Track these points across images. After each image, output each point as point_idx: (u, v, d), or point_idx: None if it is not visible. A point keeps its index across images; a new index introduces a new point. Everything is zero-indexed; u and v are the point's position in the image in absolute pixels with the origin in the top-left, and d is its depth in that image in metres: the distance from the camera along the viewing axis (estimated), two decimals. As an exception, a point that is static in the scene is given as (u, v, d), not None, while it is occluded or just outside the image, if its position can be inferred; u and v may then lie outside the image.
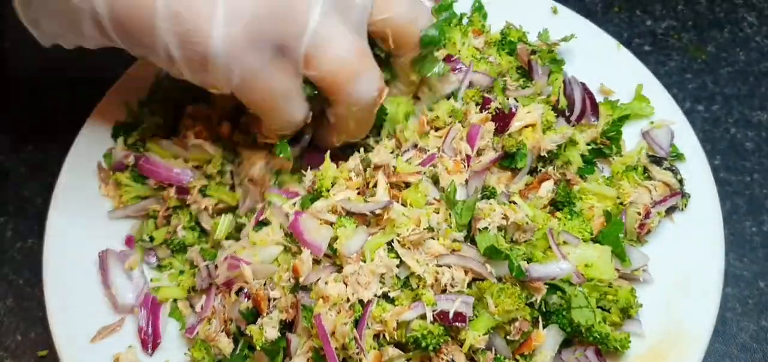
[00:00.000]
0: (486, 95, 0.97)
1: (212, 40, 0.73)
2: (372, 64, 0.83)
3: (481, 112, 0.93)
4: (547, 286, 0.80)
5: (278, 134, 0.89)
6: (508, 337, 0.78)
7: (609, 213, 0.90)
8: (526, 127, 0.92)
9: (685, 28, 1.35)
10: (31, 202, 1.13)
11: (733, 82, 1.27)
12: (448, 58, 1.02)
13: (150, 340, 0.88)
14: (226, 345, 0.85)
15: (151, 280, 0.94)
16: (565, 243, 0.84)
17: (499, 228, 0.82)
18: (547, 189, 0.90)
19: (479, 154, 0.90)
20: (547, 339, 0.81)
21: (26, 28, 0.81)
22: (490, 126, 0.91)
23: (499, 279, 0.79)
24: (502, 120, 0.92)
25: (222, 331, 0.86)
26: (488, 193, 0.87)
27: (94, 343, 0.86)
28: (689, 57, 1.31)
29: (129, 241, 0.96)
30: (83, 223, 0.95)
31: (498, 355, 0.78)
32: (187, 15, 0.72)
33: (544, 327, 0.81)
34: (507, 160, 0.91)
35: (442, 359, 0.76)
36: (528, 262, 0.80)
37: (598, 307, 0.82)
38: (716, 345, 0.98)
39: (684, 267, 0.89)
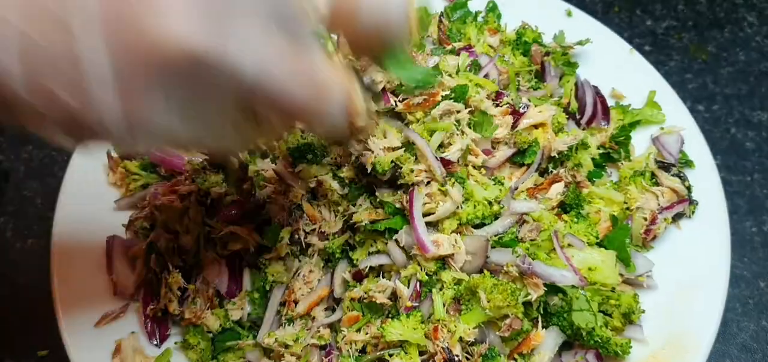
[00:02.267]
0: (500, 90, 0.92)
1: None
2: (334, 81, 0.51)
3: (496, 106, 0.88)
4: (546, 287, 0.76)
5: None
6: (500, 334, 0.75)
7: (615, 217, 0.85)
8: (535, 126, 0.87)
9: (686, 28, 1.29)
10: (31, 202, 1.06)
11: (734, 82, 1.21)
12: (464, 48, 0.97)
13: (156, 332, 0.83)
14: (213, 322, 0.82)
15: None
16: (569, 245, 0.79)
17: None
18: (556, 191, 0.85)
19: (494, 147, 0.86)
20: (547, 340, 0.78)
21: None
22: (509, 120, 0.86)
23: (498, 271, 0.76)
24: (514, 117, 0.87)
25: (207, 309, 0.82)
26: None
27: (98, 328, 0.82)
28: (689, 57, 1.25)
29: (130, 226, 0.90)
30: (92, 210, 0.91)
31: (490, 348, 0.75)
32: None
33: (544, 328, 0.77)
34: (517, 156, 0.87)
35: (438, 346, 0.73)
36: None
37: (600, 311, 0.78)
38: (716, 345, 0.91)
39: (689, 276, 0.84)
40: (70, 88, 0.42)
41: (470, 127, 0.84)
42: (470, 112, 0.85)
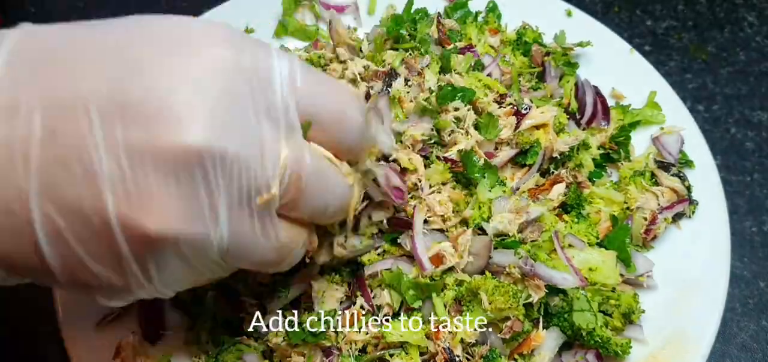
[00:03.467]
0: (503, 91, 0.90)
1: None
2: (294, 242, 0.60)
3: (499, 107, 0.87)
4: (547, 289, 0.75)
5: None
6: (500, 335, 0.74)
7: (615, 217, 0.84)
8: (537, 127, 0.86)
9: (686, 28, 1.28)
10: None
11: (734, 82, 1.19)
12: (466, 48, 0.96)
13: (152, 332, 0.82)
14: None
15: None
16: (570, 246, 0.78)
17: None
18: (558, 191, 0.84)
19: (497, 148, 0.85)
20: (547, 341, 0.76)
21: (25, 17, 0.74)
22: (512, 120, 0.85)
23: (500, 272, 0.75)
24: (517, 117, 0.86)
25: None
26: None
27: (98, 328, 0.81)
28: (689, 57, 1.24)
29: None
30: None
31: (491, 349, 0.73)
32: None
33: (544, 328, 0.76)
34: (519, 157, 0.85)
35: (439, 346, 0.72)
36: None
37: (600, 311, 0.76)
38: (716, 345, 0.90)
39: (689, 276, 0.83)
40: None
41: (476, 129, 0.83)
42: (476, 114, 0.84)
